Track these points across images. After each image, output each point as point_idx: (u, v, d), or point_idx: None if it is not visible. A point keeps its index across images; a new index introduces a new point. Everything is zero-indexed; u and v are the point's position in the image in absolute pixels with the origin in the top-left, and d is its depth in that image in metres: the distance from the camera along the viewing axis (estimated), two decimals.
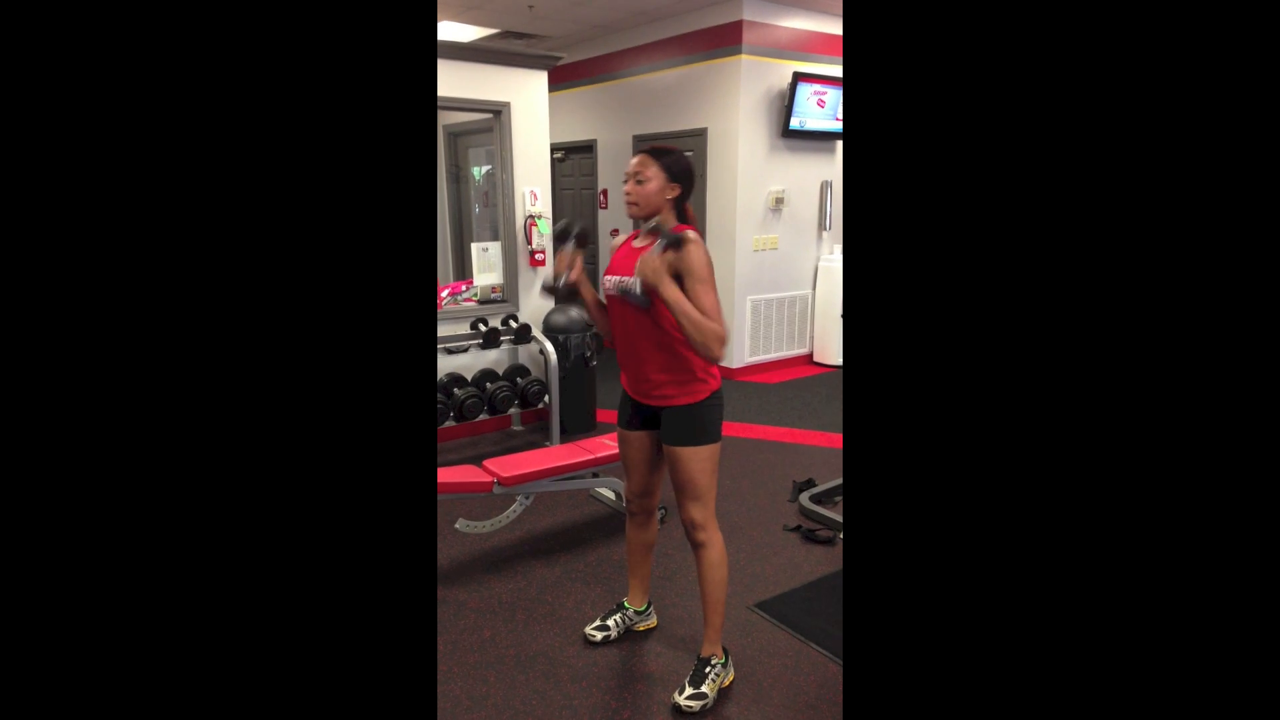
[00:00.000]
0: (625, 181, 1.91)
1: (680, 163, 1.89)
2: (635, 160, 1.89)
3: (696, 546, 2.02)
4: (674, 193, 1.88)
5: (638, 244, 1.96)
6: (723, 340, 1.77)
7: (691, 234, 1.81)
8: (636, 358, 1.96)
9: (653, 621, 2.42)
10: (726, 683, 2.11)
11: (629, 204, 1.90)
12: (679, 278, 1.80)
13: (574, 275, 2.00)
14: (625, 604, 2.38)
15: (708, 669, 2.04)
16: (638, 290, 1.82)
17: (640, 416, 2.08)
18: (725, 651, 2.12)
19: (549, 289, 2.04)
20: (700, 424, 1.94)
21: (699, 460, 1.94)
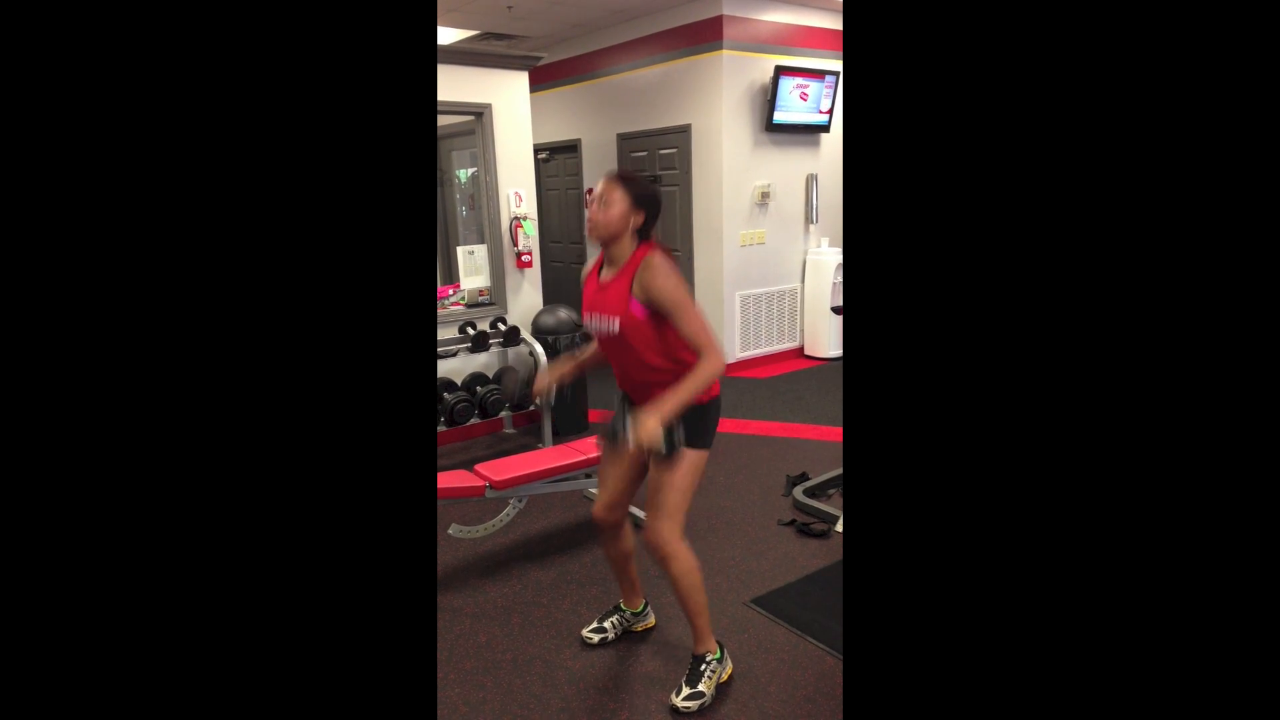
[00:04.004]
0: (589, 205, 1.90)
1: (646, 190, 1.89)
2: (601, 183, 1.89)
3: (662, 562, 1.97)
4: (638, 219, 1.87)
5: (603, 277, 1.95)
6: (719, 363, 1.80)
7: (654, 258, 1.83)
8: (634, 380, 1.97)
9: (651, 621, 2.41)
10: (725, 677, 2.10)
11: (589, 226, 1.90)
12: (656, 304, 1.83)
13: (564, 377, 2.17)
14: (621, 606, 2.37)
15: (703, 667, 2.04)
16: (663, 450, 1.86)
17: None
18: (720, 646, 2.11)
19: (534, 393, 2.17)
20: (698, 424, 1.92)
21: (687, 461, 1.92)
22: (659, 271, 1.80)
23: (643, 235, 1.90)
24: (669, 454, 1.89)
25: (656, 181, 5.73)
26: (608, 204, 1.85)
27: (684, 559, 1.96)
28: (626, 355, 1.92)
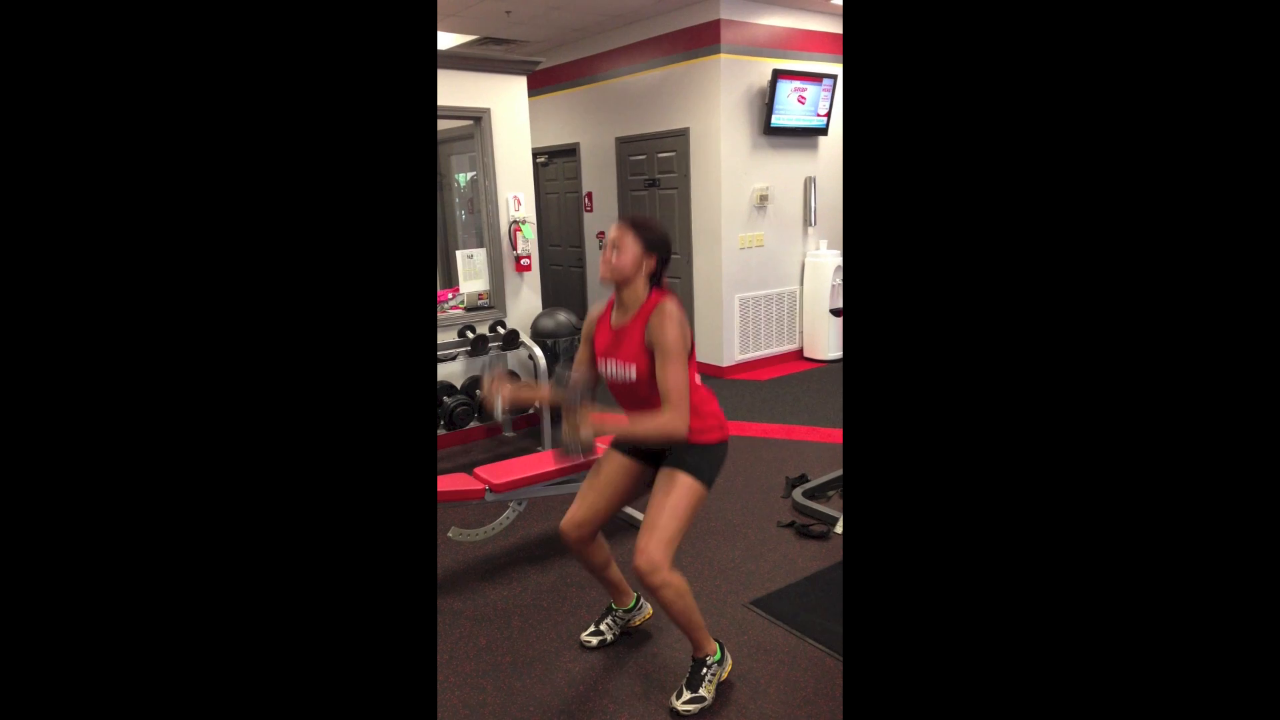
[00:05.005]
0: (603, 249, 1.95)
1: (657, 235, 1.94)
2: (614, 229, 1.93)
3: (653, 589, 1.90)
4: (650, 264, 1.92)
5: (615, 322, 1.99)
6: (678, 426, 1.82)
7: (667, 305, 1.87)
8: None
9: (647, 612, 2.42)
10: (725, 675, 2.11)
11: (603, 270, 1.94)
12: (653, 344, 1.86)
13: (504, 401, 2.06)
14: (613, 606, 2.38)
15: (703, 671, 2.04)
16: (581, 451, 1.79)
17: (641, 450, 2.11)
18: (719, 645, 2.11)
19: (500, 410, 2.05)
20: (705, 461, 1.97)
21: (690, 491, 1.94)
22: (668, 319, 1.85)
23: (655, 280, 1.95)
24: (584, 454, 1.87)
25: (656, 185, 5.74)
26: (621, 249, 1.90)
27: (674, 585, 1.92)
28: (641, 404, 1.97)
